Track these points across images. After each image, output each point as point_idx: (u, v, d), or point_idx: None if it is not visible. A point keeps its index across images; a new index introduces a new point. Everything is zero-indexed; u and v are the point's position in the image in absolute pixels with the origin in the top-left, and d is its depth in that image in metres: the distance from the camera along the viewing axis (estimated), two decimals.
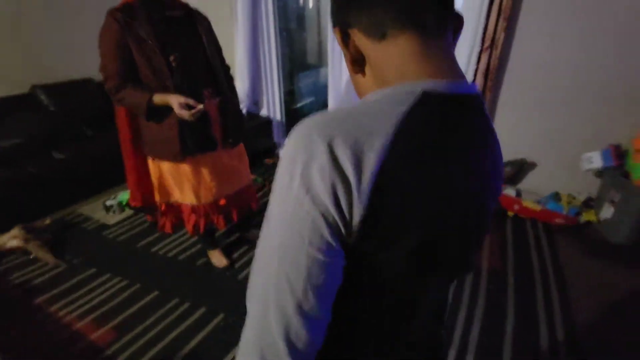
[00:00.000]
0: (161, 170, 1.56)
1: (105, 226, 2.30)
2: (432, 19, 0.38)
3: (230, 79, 1.66)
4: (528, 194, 2.40)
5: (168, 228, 1.73)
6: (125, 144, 1.59)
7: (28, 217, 2.21)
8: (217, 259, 1.90)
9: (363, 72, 0.43)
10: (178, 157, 1.48)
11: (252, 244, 2.05)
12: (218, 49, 1.57)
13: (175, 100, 1.30)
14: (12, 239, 1.99)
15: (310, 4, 4.65)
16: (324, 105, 3.12)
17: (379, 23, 0.38)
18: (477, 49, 2.23)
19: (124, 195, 2.47)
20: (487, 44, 2.18)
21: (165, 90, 1.36)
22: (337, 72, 2.73)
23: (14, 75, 2.57)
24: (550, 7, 2.04)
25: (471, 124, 0.39)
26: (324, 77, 4.66)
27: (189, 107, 1.32)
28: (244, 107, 3.09)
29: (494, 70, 2.24)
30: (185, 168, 1.54)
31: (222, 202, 1.68)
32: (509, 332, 1.49)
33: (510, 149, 2.33)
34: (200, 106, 1.33)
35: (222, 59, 1.61)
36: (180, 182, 1.57)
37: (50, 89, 2.65)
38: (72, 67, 2.85)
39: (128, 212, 2.43)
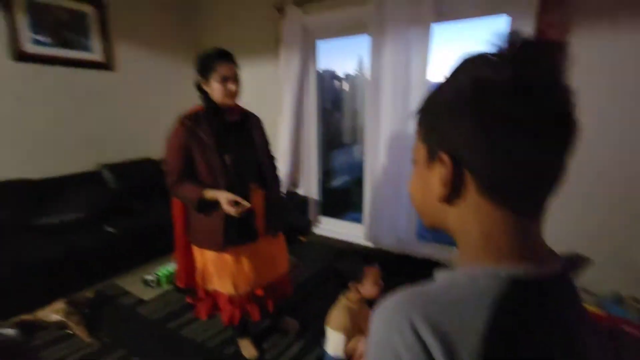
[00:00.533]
0: (205, 258, 1.61)
1: (141, 301, 2.32)
2: (543, 205, 0.38)
3: (274, 169, 1.77)
4: (585, 294, 2.17)
5: (203, 315, 1.72)
6: (178, 230, 1.68)
7: (71, 289, 2.29)
8: (247, 349, 1.82)
9: (447, 201, 0.40)
10: (220, 247, 1.53)
11: (283, 333, 1.97)
12: (267, 146, 1.71)
13: (223, 198, 1.40)
14: (54, 313, 2.05)
15: (347, 88, 5.10)
16: (358, 182, 3.18)
17: (497, 185, 0.36)
18: None
19: (162, 270, 2.53)
20: None
21: (217, 186, 1.47)
22: (371, 152, 2.79)
23: (84, 155, 2.92)
24: (596, 104, 2.04)
25: (561, 304, 0.38)
26: (357, 155, 4.84)
27: (236, 203, 1.41)
28: (283, 188, 3.22)
29: None
30: (227, 258, 1.58)
31: (259, 292, 1.67)
32: None
33: (561, 244, 2.18)
34: (247, 204, 1.41)
35: (270, 154, 1.74)
36: (220, 271, 1.60)
37: (114, 167, 2.96)
38: (135, 148, 3.22)
39: (165, 287, 2.46)
